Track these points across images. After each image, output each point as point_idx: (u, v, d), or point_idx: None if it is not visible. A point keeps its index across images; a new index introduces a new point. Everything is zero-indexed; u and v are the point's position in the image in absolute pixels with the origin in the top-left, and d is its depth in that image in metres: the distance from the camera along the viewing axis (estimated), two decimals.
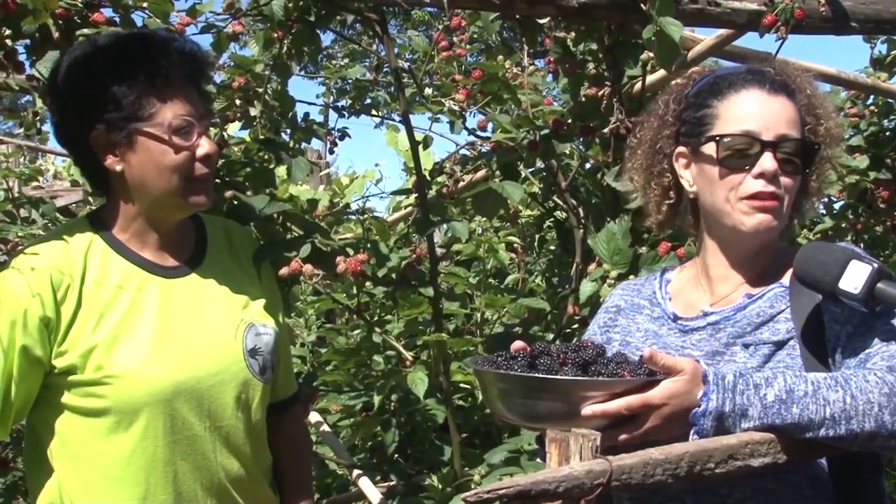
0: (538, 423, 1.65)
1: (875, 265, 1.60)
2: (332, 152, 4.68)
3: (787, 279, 1.82)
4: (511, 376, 1.63)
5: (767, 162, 1.78)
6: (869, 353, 1.66)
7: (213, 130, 2.16)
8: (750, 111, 1.82)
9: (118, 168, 2.05)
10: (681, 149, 1.91)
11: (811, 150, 1.84)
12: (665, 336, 1.92)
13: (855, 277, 1.60)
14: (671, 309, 1.97)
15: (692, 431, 1.58)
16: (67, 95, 2.08)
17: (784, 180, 1.80)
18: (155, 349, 2.03)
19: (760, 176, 1.79)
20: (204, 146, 2.07)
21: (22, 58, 2.71)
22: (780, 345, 1.76)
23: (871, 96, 4.27)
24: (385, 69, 4.01)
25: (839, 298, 1.63)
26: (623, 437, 1.57)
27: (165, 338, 2.05)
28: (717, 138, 1.81)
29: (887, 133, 4.06)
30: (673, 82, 2.06)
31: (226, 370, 2.11)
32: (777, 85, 1.84)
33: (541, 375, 1.60)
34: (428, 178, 3.41)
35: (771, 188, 1.79)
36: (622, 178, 2.10)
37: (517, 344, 1.73)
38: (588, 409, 1.55)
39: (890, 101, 4.14)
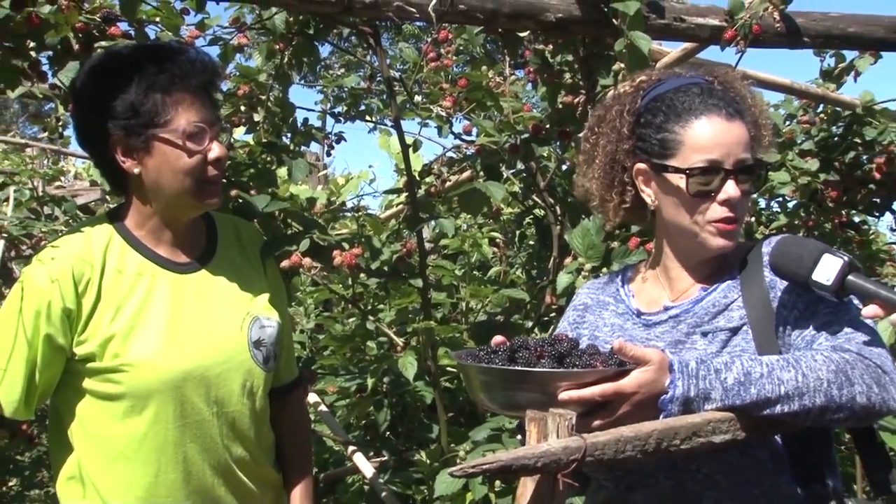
0: (518, 412, 1.65)
1: (846, 259, 1.62)
2: (329, 155, 4.66)
3: (737, 271, 1.84)
4: (492, 370, 1.62)
5: (732, 189, 1.77)
6: (815, 335, 1.68)
7: (222, 135, 2.14)
8: (713, 141, 1.78)
9: (136, 171, 2.04)
10: (641, 165, 1.88)
11: (763, 168, 1.84)
12: (630, 330, 1.92)
13: (827, 270, 1.62)
14: (635, 305, 1.96)
15: (661, 416, 1.58)
16: (88, 103, 2.07)
17: (744, 201, 1.81)
18: (166, 340, 2.02)
19: (725, 203, 1.78)
20: (215, 150, 2.06)
21: (45, 68, 2.70)
22: (734, 331, 1.77)
23: (821, 105, 4.28)
24: (378, 78, 3.99)
25: (811, 289, 1.65)
26: (597, 422, 1.57)
27: (176, 330, 2.05)
28: (687, 172, 1.78)
29: (835, 138, 4.07)
30: (622, 89, 2.00)
31: (232, 360, 2.10)
32: (732, 109, 1.81)
33: (520, 368, 1.60)
34: (417, 178, 3.41)
35: (734, 213, 1.80)
36: (577, 184, 2.07)
37: (497, 338, 1.72)
38: (564, 395, 1.54)
39: (838, 109, 4.16)
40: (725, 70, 1.93)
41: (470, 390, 1.74)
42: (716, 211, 1.79)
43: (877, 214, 4.24)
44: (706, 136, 1.78)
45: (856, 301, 1.67)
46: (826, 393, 1.55)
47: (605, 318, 2.00)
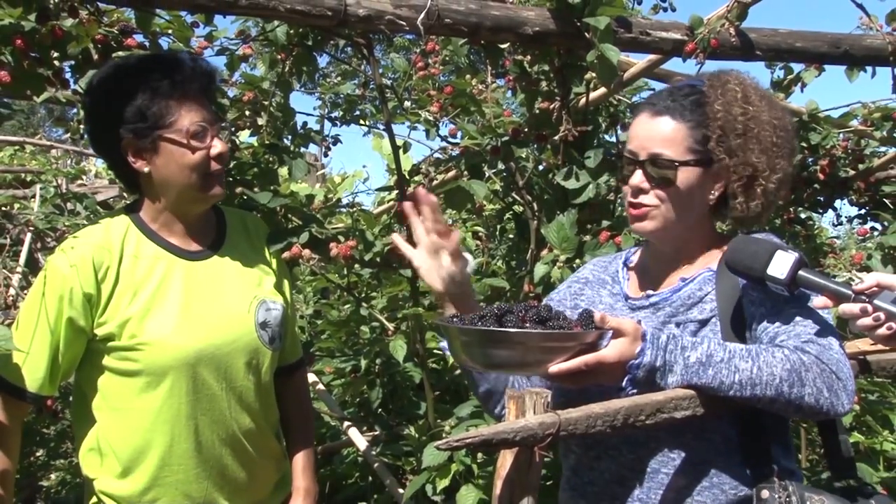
0: (497, 371, 1.63)
1: (797, 255, 1.61)
2: (326, 155, 4.63)
3: (715, 264, 1.81)
4: (474, 331, 1.60)
5: (635, 178, 1.80)
6: (777, 332, 1.65)
7: (222, 133, 2.13)
8: (634, 133, 1.83)
9: (146, 169, 2.04)
10: None
11: (671, 166, 1.78)
12: (618, 311, 1.91)
13: (781, 265, 1.61)
14: (625, 289, 1.95)
15: (626, 378, 1.59)
16: (99, 110, 2.08)
17: (657, 192, 1.79)
18: (180, 321, 2.02)
19: (631, 189, 1.81)
20: (217, 146, 2.06)
21: (67, 76, 2.69)
22: (703, 322, 1.76)
23: None
24: (371, 86, 3.99)
25: (766, 283, 1.63)
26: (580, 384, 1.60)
27: (189, 312, 2.04)
28: (618, 159, 1.85)
29: None
30: None
31: (239, 340, 2.10)
32: (664, 107, 1.80)
33: (502, 329, 1.58)
34: (407, 177, 3.40)
35: (637, 199, 1.81)
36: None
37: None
38: (554, 368, 1.54)
39: None
40: (727, 73, 1.87)
41: (453, 352, 1.71)
42: (628, 195, 1.83)
43: (820, 211, 4.24)
44: (632, 130, 1.84)
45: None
46: (777, 388, 1.54)
47: (601, 295, 1.99)
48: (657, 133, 1.79)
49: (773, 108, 1.82)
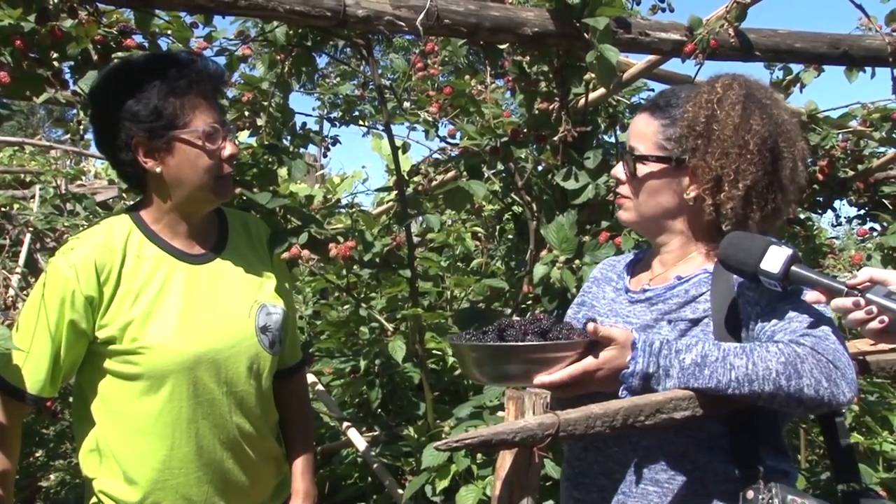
0: (507, 383, 1.65)
1: (791, 250, 1.62)
2: (325, 156, 4.64)
3: (711, 266, 1.81)
4: (481, 346, 1.64)
5: (616, 168, 1.91)
6: (775, 330, 1.66)
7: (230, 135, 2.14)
8: None
9: (157, 169, 2.02)
10: None
11: (636, 159, 1.85)
12: (619, 304, 1.93)
13: (774, 260, 1.61)
14: (627, 283, 1.97)
15: (622, 388, 1.60)
16: (110, 108, 2.02)
17: (630, 184, 1.87)
18: (181, 325, 2.01)
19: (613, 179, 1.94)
20: (228, 148, 2.06)
21: (67, 76, 2.69)
22: (695, 322, 1.76)
23: None
24: (370, 86, 3.99)
25: (759, 278, 1.63)
26: (571, 394, 1.62)
27: (190, 316, 2.03)
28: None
29: None
30: None
31: (240, 344, 2.09)
32: (653, 104, 1.88)
33: (505, 344, 1.62)
34: (406, 177, 3.40)
35: (618, 189, 1.90)
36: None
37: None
38: (537, 380, 1.58)
39: None
40: (733, 76, 1.86)
41: (464, 367, 1.74)
42: None
43: (820, 212, 4.24)
44: None
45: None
46: (774, 382, 1.54)
47: (606, 291, 2.02)
48: (636, 127, 1.88)
49: (765, 116, 1.78)
